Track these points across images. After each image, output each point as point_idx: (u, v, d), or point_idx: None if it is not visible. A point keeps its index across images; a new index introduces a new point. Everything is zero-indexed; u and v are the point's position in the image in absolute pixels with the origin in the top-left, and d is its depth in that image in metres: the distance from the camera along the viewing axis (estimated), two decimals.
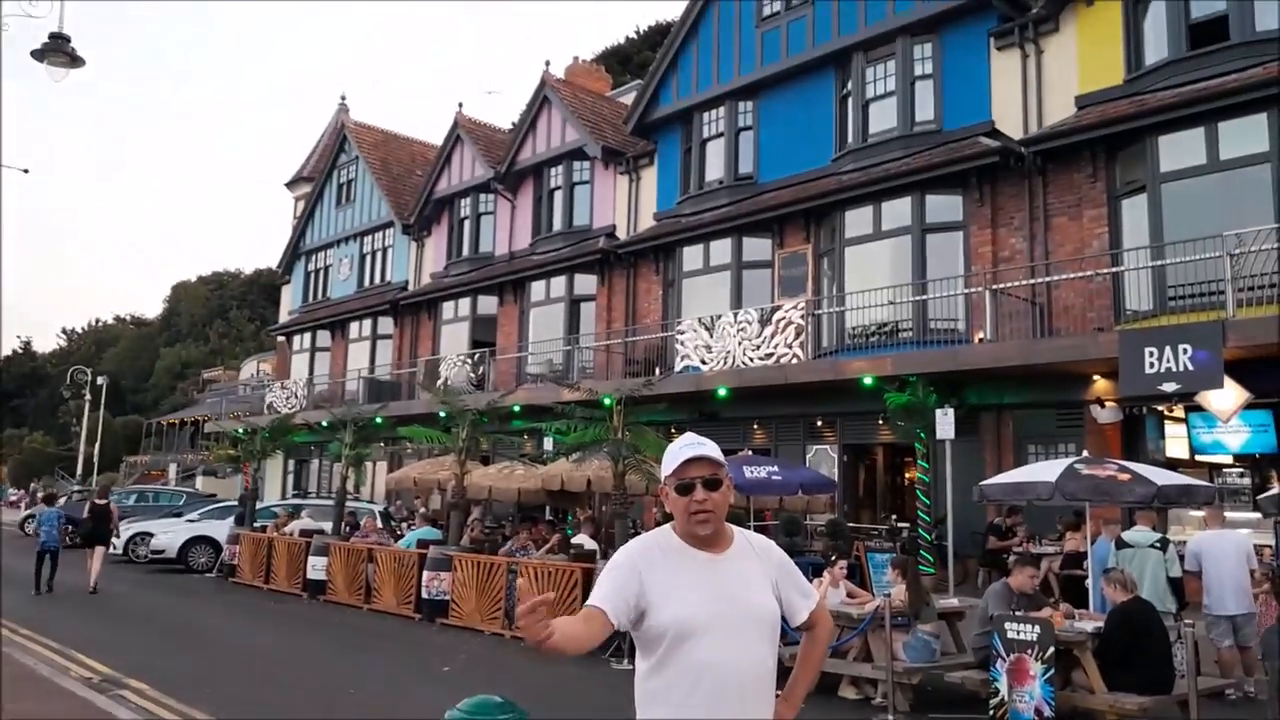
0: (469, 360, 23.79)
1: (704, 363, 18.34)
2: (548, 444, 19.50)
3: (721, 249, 20.03)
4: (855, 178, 17.43)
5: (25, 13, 11.39)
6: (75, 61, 12.09)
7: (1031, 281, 15.02)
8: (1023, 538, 12.96)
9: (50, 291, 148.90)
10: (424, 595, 13.63)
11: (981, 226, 16.12)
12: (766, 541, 2.83)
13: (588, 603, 2.59)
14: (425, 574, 13.64)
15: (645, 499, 15.97)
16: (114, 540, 18.31)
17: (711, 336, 18.33)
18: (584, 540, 13.17)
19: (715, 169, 20.78)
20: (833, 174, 18.18)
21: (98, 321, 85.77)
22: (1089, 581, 9.35)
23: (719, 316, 18.38)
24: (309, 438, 25.05)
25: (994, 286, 14.78)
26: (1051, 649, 6.93)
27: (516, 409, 19.96)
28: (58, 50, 11.84)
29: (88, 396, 43.81)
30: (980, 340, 14.87)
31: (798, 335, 16.99)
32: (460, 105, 27.23)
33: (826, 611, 2.88)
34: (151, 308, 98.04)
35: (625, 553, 2.68)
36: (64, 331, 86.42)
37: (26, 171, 12.70)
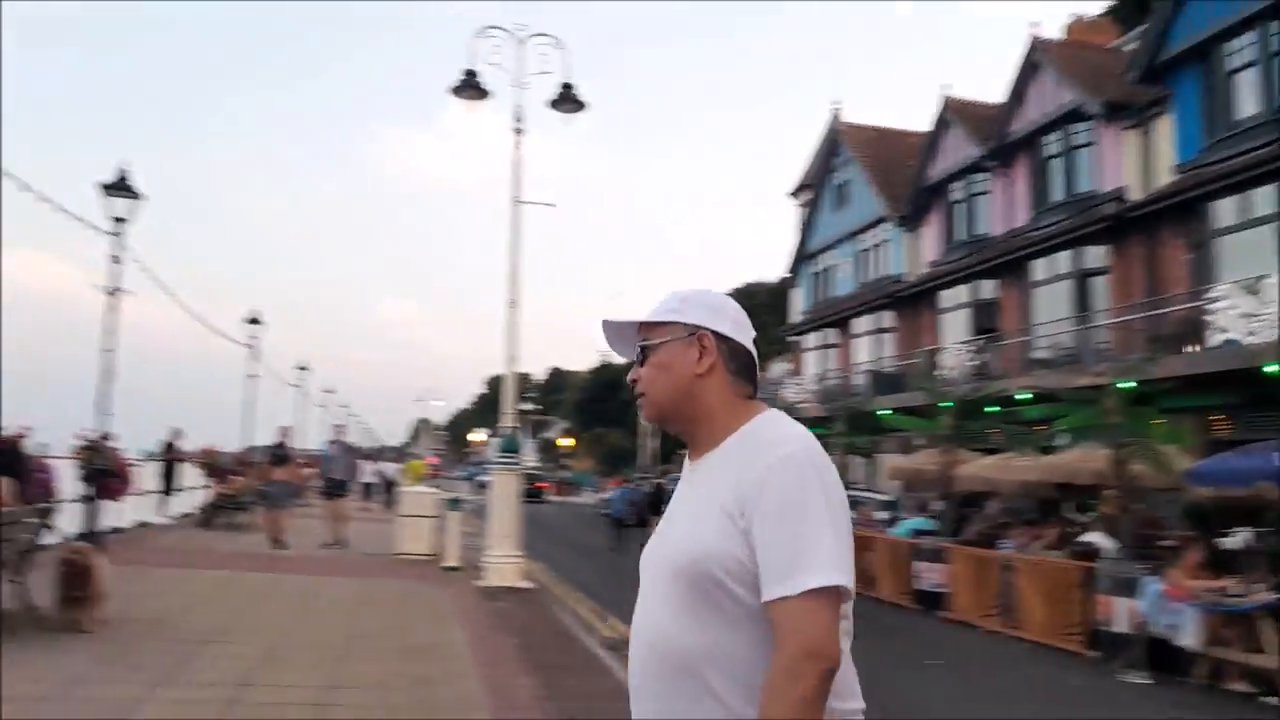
0: (967, 348, 22.88)
1: (1251, 334, 15.63)
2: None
3: (1266, 197, 16.86)
4: None
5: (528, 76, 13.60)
6: (580, 106, 14.15)
7: None
8: None
9: (626, 310, 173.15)
10: (917, 586, 13.47)
11: None
12: (778, 447, 1.62)
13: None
14: (917, 564, 13.47)
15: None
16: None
17: (1258, 301, 15.56)
18: (1095, 538, 11.92)
19: (1247, 105, 17.58)
20: None
21: None
22: None
23: (1264, 276, 15.52)
24: (817, 430, 26.05)
25: None
26: None
27: (1021, 396, 18.78)
28: (568, 99, 14.03)
29: None
30: None
31: None
32: (945, 89, 26.39)
33: (805, 626, 1.51)
34: None
35: None
36: None
37: (553, 205, 15.01)
